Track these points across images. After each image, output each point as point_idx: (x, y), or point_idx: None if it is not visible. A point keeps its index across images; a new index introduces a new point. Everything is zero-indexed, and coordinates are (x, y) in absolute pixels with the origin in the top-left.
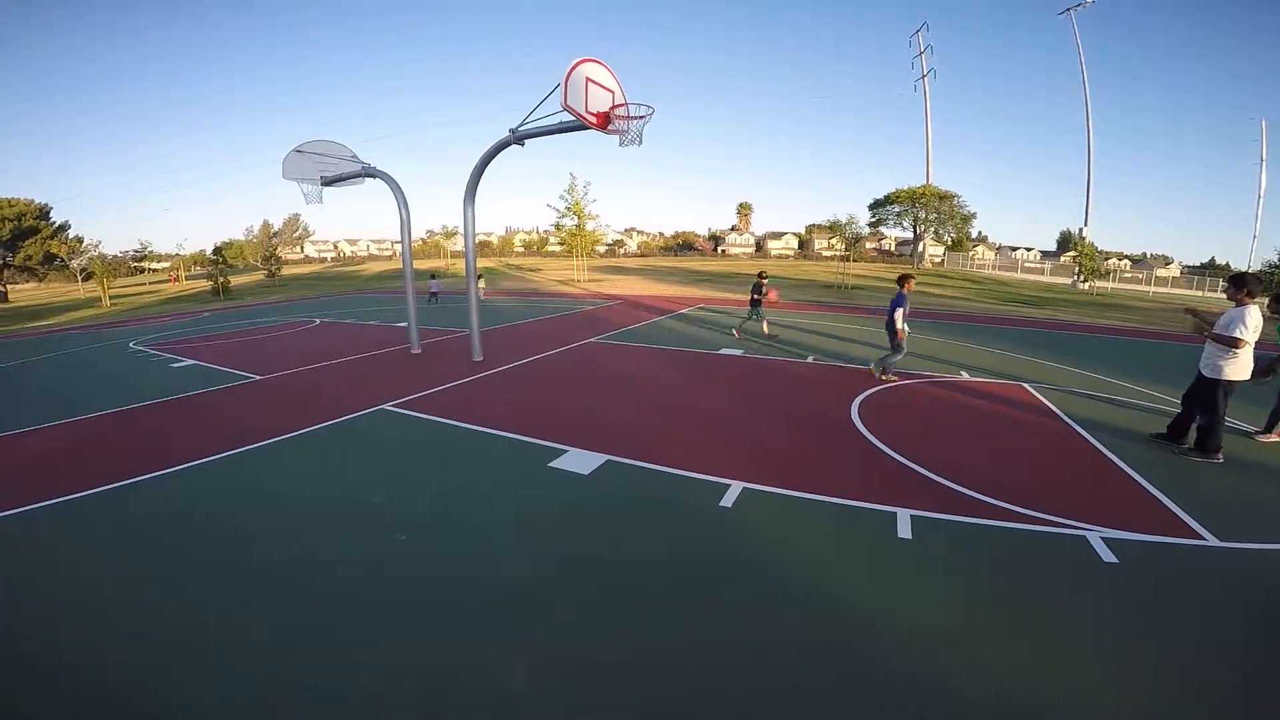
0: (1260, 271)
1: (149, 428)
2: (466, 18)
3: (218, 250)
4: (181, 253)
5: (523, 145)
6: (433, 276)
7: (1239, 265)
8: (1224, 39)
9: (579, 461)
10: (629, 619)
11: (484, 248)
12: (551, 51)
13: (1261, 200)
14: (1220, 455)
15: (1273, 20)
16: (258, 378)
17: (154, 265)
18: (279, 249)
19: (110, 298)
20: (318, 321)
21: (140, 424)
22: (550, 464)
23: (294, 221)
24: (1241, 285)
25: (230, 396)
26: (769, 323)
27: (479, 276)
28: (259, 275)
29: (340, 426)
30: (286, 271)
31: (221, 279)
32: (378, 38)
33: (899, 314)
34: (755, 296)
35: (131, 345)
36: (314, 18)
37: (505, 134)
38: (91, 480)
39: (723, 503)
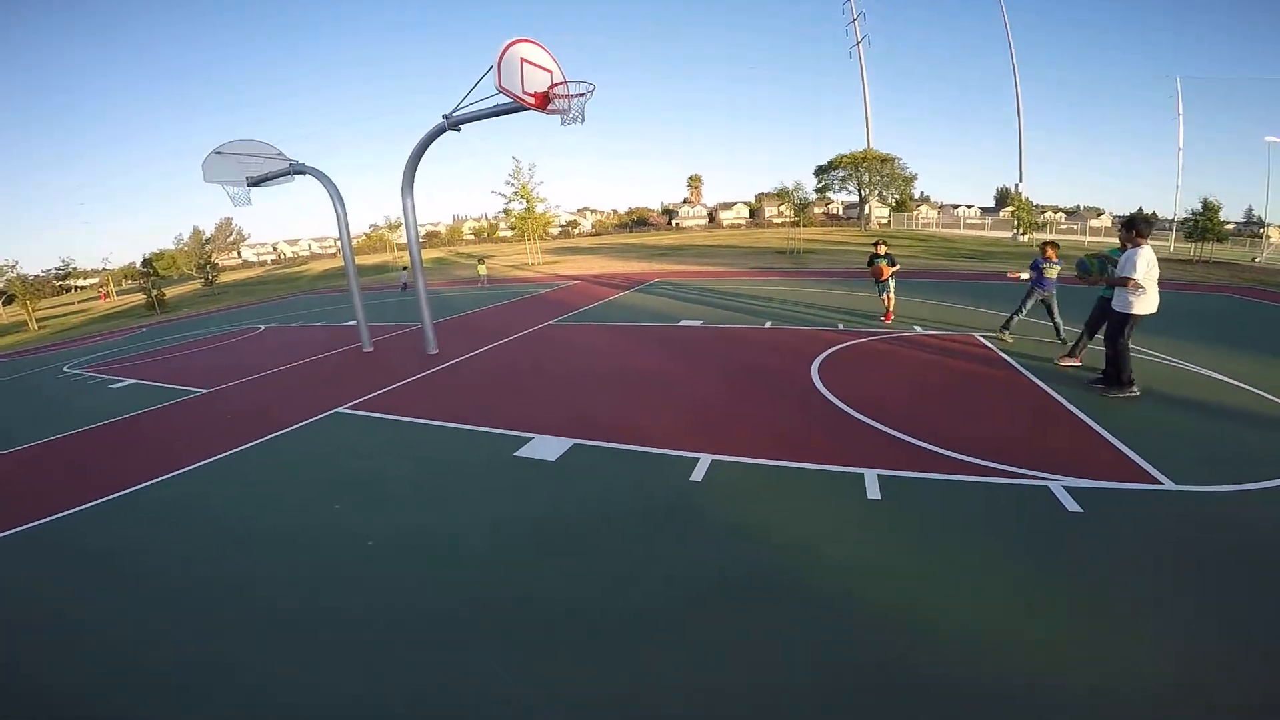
0: (1184, 219)
1: (94, 453)
2: (392, 4)
3: (148, 262)
4: (108, 267)
5: (459, 131)
6: (404, 268)
7: (1166, 214)
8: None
9: (545, 448)
10: (609, 600)
11: (432, 238)
12: (487, 33)
13: (1181, 152)
14: (1135, 388)
15: None
16: (204, 391)
17: (80, 282)
18: (214, 255)
19: (37, 320)
20: (262, 328)
21: (84, 449)
22: (516, 453)
23: (227, 225)
24: (1131, 228)
25: (177, 413)
26: (892, 299)
27: (480, 261)
28: (195, 284)
29: (294, 434)
30: (224, 278)
31: (155, 291)
32: (302, 31)
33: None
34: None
35: (65, 369)
36: (233, 13)
37: (439, 120)
38: (39, 511)
39: (693, 477)
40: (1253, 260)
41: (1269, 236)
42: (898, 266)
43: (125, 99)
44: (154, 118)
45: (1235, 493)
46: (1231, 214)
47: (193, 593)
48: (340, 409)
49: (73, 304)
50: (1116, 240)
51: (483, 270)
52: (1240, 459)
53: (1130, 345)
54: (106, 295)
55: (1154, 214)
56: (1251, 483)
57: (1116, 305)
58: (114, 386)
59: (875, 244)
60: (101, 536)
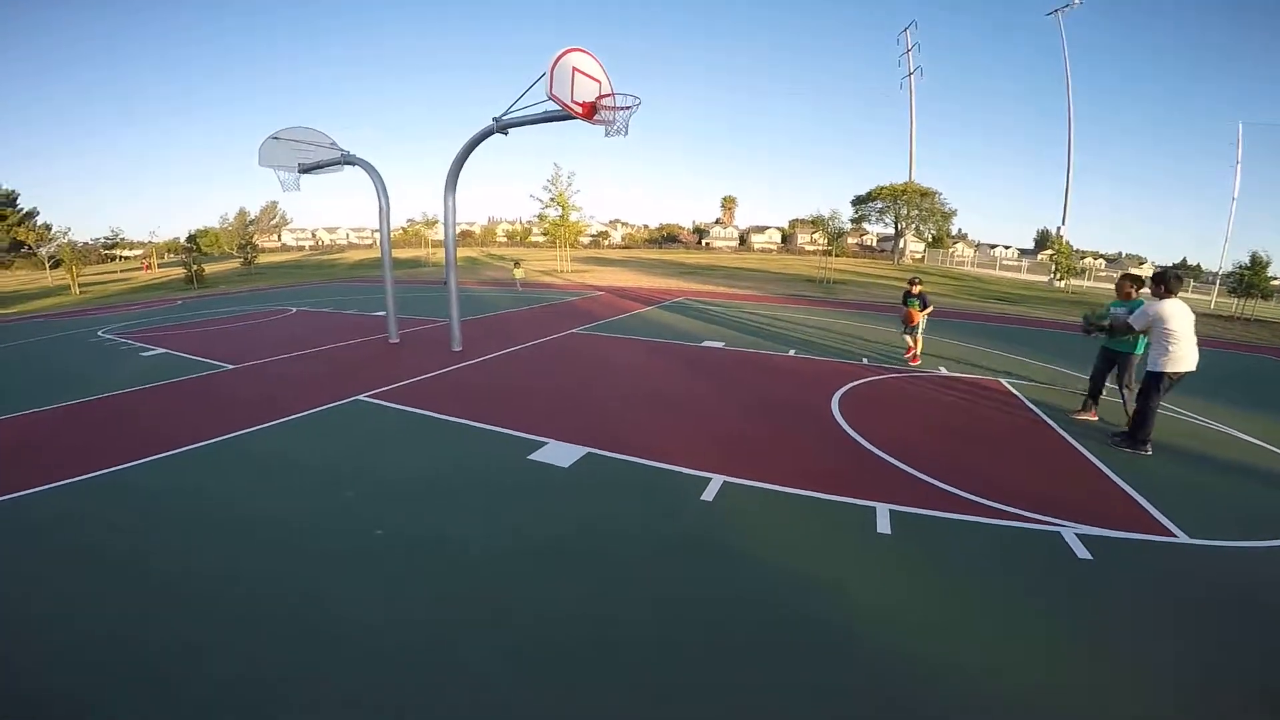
0: (1229, 272)
1: (114, 418)
2: (450, 3)
3: (192, 238)
4: (154, 240)
5: (506, 134)
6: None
7: (1210, 266)
8: (1204, 41)
9: (559, 454)
10: (609, 611)
11: (466, 237)
12: (537, 40)
13: (1235, 202)
14: (1149, 448)
15: (1250, 25)
16: (230, 367)
17: (126, 253)
18: (255, 237)
19: (80, 285)
20: (293, 310)
21: (105, 414)
22: (530, 456)
23: (271, 209)
24: (1159, 282)
25: (200, 386)
26: (920, 341)
27: (515, 265)
28: (234, 263)
29: (314, 417)
30: (263, 260)
31: (195, 267)
32: (359, 21)
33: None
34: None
35: (100, 333)
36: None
37: (489, 122)
38: (46, 476)
39: (704, 496)
40: None
41: None
42: (931, 309)
43: (179, 78)
44: (210, 98)
45: (1249, 549)
46: None
47: (189, 571)
48: (362, 396)
49: (116, 272)
50: (1149, 293)
51: (519, 274)
52: (1259, 517)
53: (1160, 404)
54: (149, 266)
55: (1199, 265)
56: (1267, 540)
57: (1150, 365)
58: (145, 354)
59: (910, 282)
60: (109, 505)
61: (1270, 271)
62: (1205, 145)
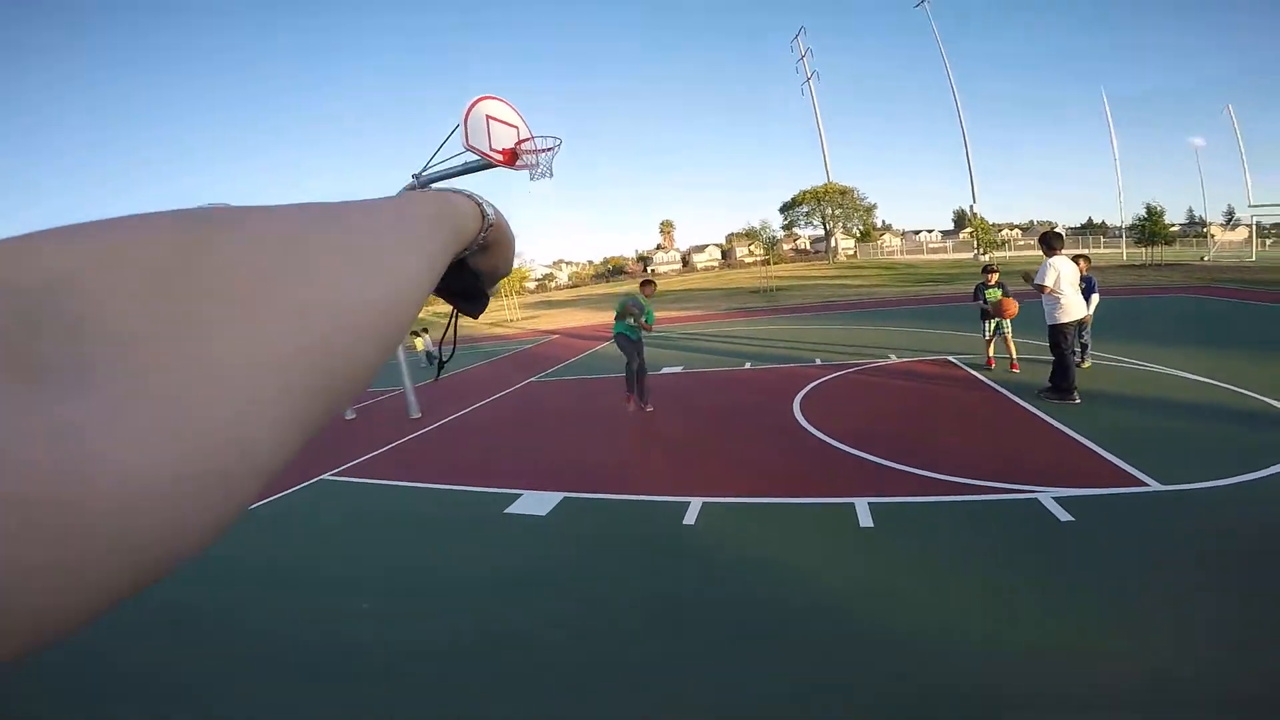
0: (1130, 225)
1: None
2: (358, 58)
3: None
4: None
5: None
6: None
7: (1113, 222)
8: (1068, 16)
9: (535, 503)
10: (614, 649)
11: None
12: (450, 88)
13: (1118, 162)
14: (1076, 395)
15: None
16: None
17: None
18: None
19: None
20: None
21: None
22: (506, 510)
23: None
24: (1046, 243)
25: None
26: (1013, 346)
27: (418, 333)
28: None
29: (280, 501)
30: None
31: None
32: (271, 80)
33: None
34: (983, 305)
35: None
36: (199, 65)
37: (409, 180)
38: None
39: (685, 521)
40: (1202, 259)
41: (1212, 235)
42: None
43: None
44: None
45: (1219, 488)
46: (1175, 216)
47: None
48: (326, 475)
49: None
50: (1069, 252)
51: (420, 344)
52: (1217, 453)
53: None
54: None
55: (1103, 222)
56: (1231, 477)
57: (1049, 320)
58: None
59: (986, 270)
60: None
61: (1166, 219)
62: (1087, 111)
